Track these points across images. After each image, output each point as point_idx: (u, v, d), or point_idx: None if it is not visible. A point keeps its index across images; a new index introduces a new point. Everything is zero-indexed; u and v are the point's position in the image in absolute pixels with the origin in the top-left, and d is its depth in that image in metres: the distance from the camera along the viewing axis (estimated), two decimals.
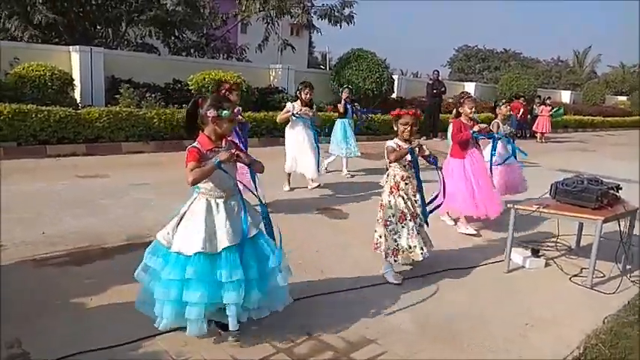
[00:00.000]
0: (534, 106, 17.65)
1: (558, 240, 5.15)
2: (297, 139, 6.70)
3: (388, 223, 3.92)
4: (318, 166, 6.85)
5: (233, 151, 2.85)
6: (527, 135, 17.60)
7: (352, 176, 8.35)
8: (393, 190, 3.94)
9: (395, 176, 3.95)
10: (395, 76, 17.14)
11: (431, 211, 4.13)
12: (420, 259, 3.91)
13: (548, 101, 17.89)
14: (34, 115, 8.41)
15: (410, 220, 3.92)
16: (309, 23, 16.95)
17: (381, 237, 3.96)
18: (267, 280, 2.93)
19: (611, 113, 26.24)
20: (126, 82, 10.91)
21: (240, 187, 3.03)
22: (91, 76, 11.13)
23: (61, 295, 3.37)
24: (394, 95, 16.06)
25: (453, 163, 5.40)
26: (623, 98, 32.54)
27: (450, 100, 18.30)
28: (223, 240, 2.79)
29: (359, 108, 9.17)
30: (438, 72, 16.25)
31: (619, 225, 4.23)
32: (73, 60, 11.12)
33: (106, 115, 9.25)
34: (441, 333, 3.25)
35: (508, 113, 6.34)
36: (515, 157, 6.18)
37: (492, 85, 24.71)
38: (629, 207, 4.42)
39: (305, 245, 4.68)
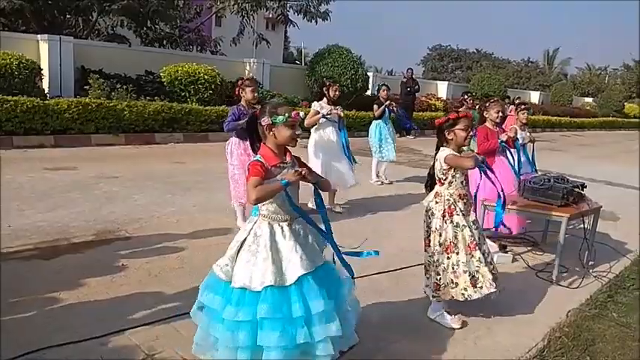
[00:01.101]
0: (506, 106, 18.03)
1: (526, 236, 5.29)
2: (328, 143, 5.76)
3: (435, 252, 3.32)
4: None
5: (300, 169, 2.41)
6: None
7: (381, 184, 7.82)
8: (446, 214, 3.30)
9: (452, 195, 3.31)
10: (370, 73, 17.24)
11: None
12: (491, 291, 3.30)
13: (517, 101, 18.27)
14: (0, 106, 8.15)
15: (476, 248, 3.29)
16: (285, 18, 16.88)
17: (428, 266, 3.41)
18: (343, 313, 2.54)
19: (577, 114, 27.03)
20: (96, 72, 10.66)
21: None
22: (60, 66, 10.85)
23: (29, 290, 3.30)
24: (369, 92, 16.15)
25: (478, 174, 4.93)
26: (590, 100, 33.61)
27: (423, 98, 18.60)
28: (296, 269, 2.36)
29: (395, 107, 8.18)
30: (412, 70, 16.42)
31: (583, 222, 4.38)
32: (42, 49, 10.80)
33: (75, 106, 9.04)
34: (409, 326, 3.31)
35: (524, 120, 5.69)
36: (534, 168, 5.59)
37: (464, 85, 25.11)
38: (593, 205, 4.58)
39: None
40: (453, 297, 3.29)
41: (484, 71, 28.95)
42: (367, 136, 8.03)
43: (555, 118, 23.84)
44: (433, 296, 3.36)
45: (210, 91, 11.55)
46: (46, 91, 10.19)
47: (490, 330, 3.37)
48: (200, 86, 11.44)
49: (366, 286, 3.70)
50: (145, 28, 14.21)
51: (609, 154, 15.74)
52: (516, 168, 4.95)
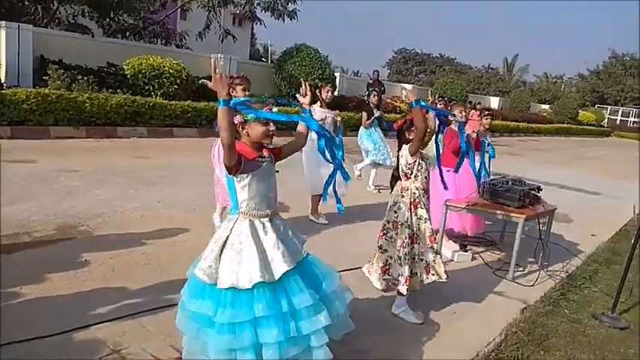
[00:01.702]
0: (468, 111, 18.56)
1: (484, 236, 5.49)
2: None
3: (405, 244, 3.43)
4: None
5: (220, 76, 2.19)
6: None
7: (379, 191, 7.36)
8: (412, 206, 3.45)
9: (417, 189, 3.48)
10: (337, 74, 17.37)
11: None
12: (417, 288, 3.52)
13: (478, 106, 18.83)
14: None
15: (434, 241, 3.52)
16: (252, 14, 16.79)
17: (394, 260, 3.51)
18: (331, 303, 2.55)
19: (535, 120, 28.03)
20: (56, 63, 10.33)
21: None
22: (18, 55, 10.43)
23: None
24: (335, 92, 16.26)
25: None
26: (546, 106, 34.91)
27: (389, 100, 18.89)
28: (281, 265, 2.36)
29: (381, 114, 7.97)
30: (378, 72, 16.68)
31: (538, 223, 4.59)
32: None
33: (34, 96, 8.72)
34: (373, 322, 3.39)
35: (487, 126, 5.82)
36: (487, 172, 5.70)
37: (427, 88, 25.63)
38: (548, 207, 4.81)
39: None
40: (417, 288, 3.49)
41: (447, 76, 29.64)
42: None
43: (513, 123, 24.64)
44: (399, 292, 3.47)
45: (176, 86, 11.36)
46: (3, 80, 9.76)
47: (450, 326, 3.50)
48: (165, 80, 11.23)
49: None
50: (107, 19, 13.85)
51: (564, 159, 16.43)
52: (477, 170, 5.12)
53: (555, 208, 4.95)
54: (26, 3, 12.77)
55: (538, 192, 4.80)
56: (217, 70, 2.22)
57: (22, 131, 8.48)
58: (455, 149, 4.74)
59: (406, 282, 3.40)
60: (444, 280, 3.49)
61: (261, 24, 17.49)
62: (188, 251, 4.02)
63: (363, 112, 7.74)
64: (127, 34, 14.79)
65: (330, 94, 5.52)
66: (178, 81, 11.44)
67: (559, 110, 32.30)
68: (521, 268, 4.70)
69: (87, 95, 9.49)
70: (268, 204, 2.48)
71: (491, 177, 5.39)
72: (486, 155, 5.67)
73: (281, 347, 2.28)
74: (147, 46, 13.68)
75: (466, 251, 5.00)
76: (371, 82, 16.21)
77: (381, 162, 7.51)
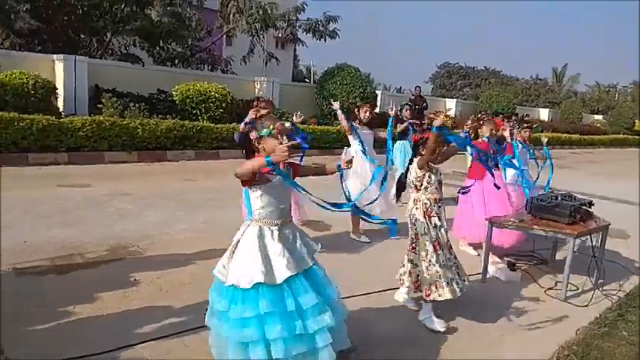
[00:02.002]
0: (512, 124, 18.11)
1: (535, 254, 5.29)
2: (360, 168, 5.30)
3: (430, 254, 3.51)
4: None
5: (285, 148, 2.44)
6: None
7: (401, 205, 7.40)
8: (426, 215, 3.57)
9: (428, 199, 3.59)
10: (378, 91, 17.39)
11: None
12: (457, 295, 3.53)
13: (526, 118, 18.31)
14: (16, 124, 8.36)
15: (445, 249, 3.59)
16: (294, 37, 17.14)
17: (423, 273, 3.54)
18: (340, 309, 2.74)
19: (587, 131, 26.93)
20: (109, 91, 10.89)
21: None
22: (75, 85, 11.10)
23: (43, 304, 3.37)
24: (377, 110, 16.26)
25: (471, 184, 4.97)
26: (600, 117, 33.50)
27: (431, 115, 18.66)
28: (284, 270, 2.55)
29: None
30: (420, 88, 16.58)
31: (591, 240, 4.38)
32: (57, 68, 11.07)
33: (89, 124, 9.23)
34: (419, 341, 3.32)
35: (526, 138, 6.01)
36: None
37: (473, 102, 25.20)
38: (601, 223, 4.59)
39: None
40: (457, 295, 3.51)
41: (492, 89, 29.04)
42: (383, 152, 7.79)
43: (565, 135, 23.78)
44: (425, 300, 3.53)
45: (221, 110, 11.72)
46: (61, 109, 10.42)
47: (497, 347, 3.37)
48: (211, 104, 11.62)
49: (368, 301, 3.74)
50: (157, 48, 14.53)
51: (620, 171, 15.64)
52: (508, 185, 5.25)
53: (609, 224, 4.70)
54: (82, 36, 13.58)
55: (590, 207, 4.59)
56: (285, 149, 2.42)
57: (78, 157, 8.96)
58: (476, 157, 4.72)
59: (436, 289, 3.47)
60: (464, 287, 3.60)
61: (302, 45, 17.81)
62: None
63: (398, 124, 7.75)
64: (176, 61, 15.44)
65: (367, 113, 5.53)
66: (224, 105, 11.80)
67: (614, 120, 30.95)
68: (574, 288, 4.48)
69: (139, 121, 9.94)
70: (279, 214, 2.67)
71: (540, 192, 5.21)
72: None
73: (287, 343, 2.46)
74: (194, 73, 14.22)
75: (515, 269, 4.82)
76: (413, 98, 16.12)
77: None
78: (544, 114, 28.44)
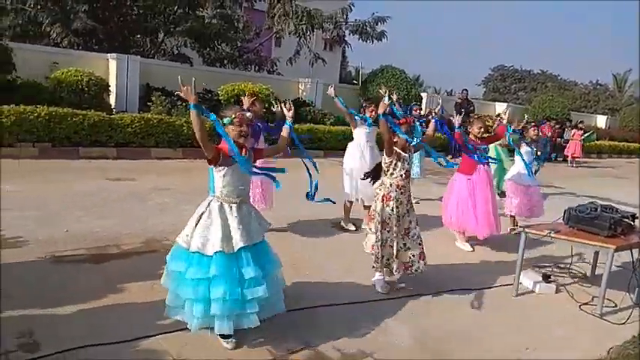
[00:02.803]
0: (565, 130, 17.41)
1: (572, 267, 5.07)
2: (362, 156, 5.79)
3: (376, 229, 4.04)
4: None
5: (187, 89, 3.06)
6: (558, 158, 17.33)
7: (417, 202, 7.31)
8: (385, 198, 4.05)
9: (392, 184, 4.06)
10: (424, 94, 17.15)
11: None
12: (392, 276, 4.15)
13: (580, 125, 17.56)
14: (69, 118, 8.80)
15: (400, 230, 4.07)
16: (341, 39, 17.14)
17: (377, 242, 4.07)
18: (269, 284, 3.08)
19: None
20: (159, 90, 11.28)
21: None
22: (127, 83, 11.57)
23: (75, 291, 3.54)
24: (422, 112, 16.04)
25: (459, 178, 5.54)
26: None
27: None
28: (239, 241, 2.98)
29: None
30: (467, 91, 16.22)
31: (631, 255, 4.15)
32: (111, 67, 11.58)
33: (137, 121, 9.60)
34: (438, 351, 3.27)
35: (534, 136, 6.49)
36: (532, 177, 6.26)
37: (524, 106, 24.36)
38: None
39: (313, 258, 4.76)
40: (382, 270, 4.09)
41: (547, 93, 27.93)
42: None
43: (623, 143, 22.59)
44: (373, 266, 4.11)
45: (264, 109, 11.86)
46: (113, 106, 10.89)
47: None
48: None
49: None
50: (207, 49, 14.90)
51: None
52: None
53: None
54: (136, 36, 14.14)
55: (633, 220, 4.34)
56: (185, 85, 3.01)
57: (126, 152, 9.34)
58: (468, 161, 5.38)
59: (377, 262, 4.07)
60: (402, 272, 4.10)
61: (348, 47, 17.78)
62: None
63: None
64: (225, 62, 15.78)
65: (373, 113, 5.73)
66: (267, 104, 11.93)
67: None
68: (612, 304, 4.26)
69: (184, 119, 10.23)
70: (238, 193, 3.10)
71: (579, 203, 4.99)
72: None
73: (224, 304, 2.88)
74: (241, 73, 14.48)
75: (549, 282, 4.64)
76: (459, 101, 15.79)
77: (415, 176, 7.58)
78: (601, 121, 27.06)
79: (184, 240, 3.02)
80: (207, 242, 2.95)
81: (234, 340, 3.03)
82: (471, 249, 5.54)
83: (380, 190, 4.11)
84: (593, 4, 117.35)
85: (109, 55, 11.74)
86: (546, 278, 4.67)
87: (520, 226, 5.92)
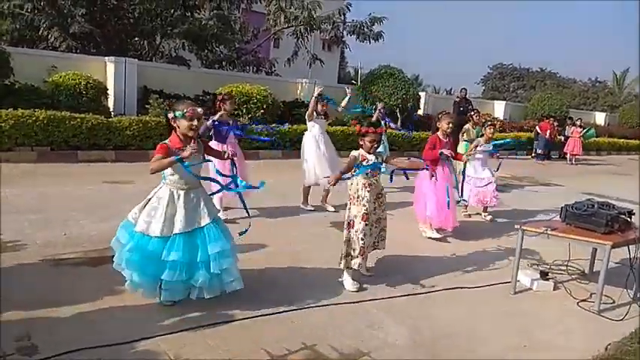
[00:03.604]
0: (566, 127, 17.43)
1: (570, 264, 5.07)
2: (318, 145, 6.55)
3: (344, 227, 4.14)
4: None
5: (192, 150, 3.18)
6: (557, 156, 17.36)
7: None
8: (352, 198, 4.15)
9: (357, 184, 4.12)
10: (422, 94, 17.16)
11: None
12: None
13: (578, 122, 17.58)
14: (67, 122, 8.82)
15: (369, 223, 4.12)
16: (339, 39, 17.15)
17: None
18: (216, 263, 3.34)
19: None
20: (157, 92, 11.29)
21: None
22: (125, 86, 11.59)
23: (74, 294, 3.55)
24: (420, 112, 16.07)
25: (423, 175, 5.72)
26: None
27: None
28: (177, 227, 3.29)
29: (390, 122, 8.95)
30: (466, 90, 16.19)
31: (629, 251, 4.16)
32: (108, 70, 11.60)
33: (135, 124, 9.61)
34: (435, 350, 3.27)
35: (491, 135, 6.99)
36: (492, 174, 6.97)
37: (523, 105, 24.37)
38: None
39: (312, 256, 4.77)
40: (351, 266, 4.08)
41: (546, 91, 27.94)
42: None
43: (622, 140, 22.61)
44: (339, 263, 4.13)
45: (262, 111, 11.91)
46: (111, 109, 10.91)
47: (522, 358, 3.27)
48: (252, 105, 11.83)
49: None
50: (205, 51, 14.92)
51: None
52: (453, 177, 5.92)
53: None
54: (135, 39, 14.16)
55: (630, 217, 4.35)
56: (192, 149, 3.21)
57: (124, 155, 9.35)
58: (431, 158, 5.50)
59: (341, 258, 4.11)
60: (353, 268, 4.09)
61: (346, 47, 17.79)
62: (256, 267, 4.19)
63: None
64: (223, 63, 15.80)
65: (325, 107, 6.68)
66: (265, 106, 11.98)
67: None
68: (610, 300, 4.27)
69: None
70: (186, 182, 3.35)
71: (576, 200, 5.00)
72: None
73: (153, 281, 3.37)
74: (239, 75, 14.51)
75: (547, 279, 4.65)
76: (458, 100, 15.78)
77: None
78: (600, 118, 27.09)
79: (133, 217, 3.39)
80: (152, 226, 3.27)
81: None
82: (440, 236, 5.75)
83: (350, 190, 4.19)
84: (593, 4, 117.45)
85: (106, 58, 11.75)
86: (544, 275, 4.67)
87: (479, 213, 7.11)
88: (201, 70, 14.20)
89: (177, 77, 12.71)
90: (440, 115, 5.78)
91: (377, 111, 8.60)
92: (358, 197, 4.10)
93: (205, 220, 3.41)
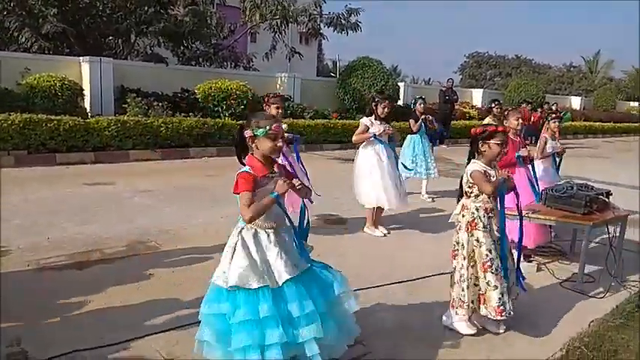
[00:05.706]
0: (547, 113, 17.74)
1: (552, 245, 5.19)
2: (377, 162, 5.31)
3: (462, 266, 3.25)
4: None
5: (288, 181, 2.54)
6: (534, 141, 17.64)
7: (433, 200, 7.44)
8: (469, 226, 3.25)
9: (478, 209, 3.24)
10: (401, 84, 17.26)
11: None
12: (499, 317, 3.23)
13: (554, 107, 17.88)
14: (44, 125, 8.67)
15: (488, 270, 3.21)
16: (316, 31, 17.12)
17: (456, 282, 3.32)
18: (335, 311, 2.69)
19: (621, 119, 26.03)
20: (134, 91, 11.14)
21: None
22: (101, 86, 11.40)
23: (61, 297, 3.51)
24: (400, 102, 16.16)
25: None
26: (636, 104, 32.27)
27: (457, 107, 18.41)
28: (282, 273, 2.52)
29: (431, 119, 7.74)
30: (453, 80, 16.44)
31: (607, 230, 4.27)
32: (83, 70, 11.40)
33: (114, 124, 9.49)
34: (424, 334, 3.32)
35: (555, 129, 5.79)
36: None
37: (500, 92, 24.70)
38: (620, 212, 4.47)
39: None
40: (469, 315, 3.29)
41: (522, 77, 28.34)
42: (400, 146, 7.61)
43: (598, 123, 23.07)
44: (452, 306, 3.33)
45: (242, 106, 11.85)
46: (88, 110, 10.73)
47: (506, 340, 3.34)
48: (232, 101, 11.77)
49: (380, 295, 3.76)
50: (181, 48, 14.75)
51: None
52: (534, 181, 4.90)
53: (628, 214, 4.58)
54: (108, 38, 13.92)
55: (607, 197, 4.47)
56: (288, 180, 2.54)
57: (104, 156, 9.23)
58: (506, 163, 4.42)
59: (461, 306, 3.25)
60: (496, 318, 3.24)
61: (324, 39, 17.77)
62: None
63: (410, 120, 7.57)
64: (200, 60, 15.63)
65: (386, 109, 5.39)
66: (245, 101, 11.92)
67: None
68: (592, 279, 4.38)
69: (162, 120, 10.15)
70: (274, 217, 2.60)
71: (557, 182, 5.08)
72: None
73: (283, 349, 2.41)
74: (217, 71, 14.37)
75: (530, 261, 4.75)
76: (444, 89, 15.94)
77: (416, 176, 7.41)
78: (576, 102, 27.59)
79: (222, 278, 2.53)
80: (250, 275, 2.47)
81: None
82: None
83: (464, 216, 3.29)
84: None
85: (81, 58, 11.55)
86: (527, 258, 4.77)
87: None
88: (178, 67, 14.05)
89: (154, 75, 12.56)
90: (507, 112, 4.98)
91: (418, 105, 7.62)
92: (474, 228, 3.23)
93: (306, 262, 2.70)
